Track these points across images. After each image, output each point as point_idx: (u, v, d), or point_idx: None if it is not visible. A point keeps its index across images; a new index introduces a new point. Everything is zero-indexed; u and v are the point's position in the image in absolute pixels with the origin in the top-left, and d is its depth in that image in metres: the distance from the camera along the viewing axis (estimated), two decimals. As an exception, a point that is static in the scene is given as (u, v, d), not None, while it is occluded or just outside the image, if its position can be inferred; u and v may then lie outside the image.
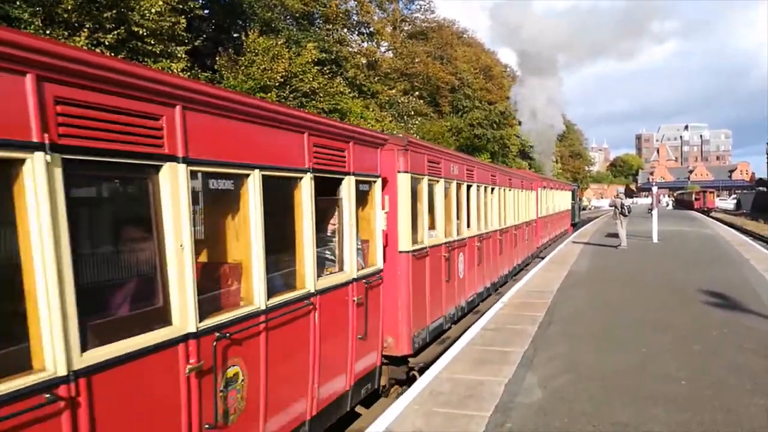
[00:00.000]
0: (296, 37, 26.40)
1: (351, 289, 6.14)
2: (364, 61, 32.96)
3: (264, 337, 4.51)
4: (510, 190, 15.69)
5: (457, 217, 10.37)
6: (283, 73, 21.90)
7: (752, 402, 5.62)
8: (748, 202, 76.88)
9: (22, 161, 2.62)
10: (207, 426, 3.80)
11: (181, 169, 3.58)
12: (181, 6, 18.67)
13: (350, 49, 32.40)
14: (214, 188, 4.28)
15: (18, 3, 14.02)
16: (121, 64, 3.35)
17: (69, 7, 14.70)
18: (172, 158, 3.53)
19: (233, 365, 4.16)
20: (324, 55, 27.13)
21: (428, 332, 8.67)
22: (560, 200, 30.03)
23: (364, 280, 6.44)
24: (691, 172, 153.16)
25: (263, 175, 4.49)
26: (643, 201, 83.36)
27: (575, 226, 37.21)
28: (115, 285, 3.68)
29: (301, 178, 5.14)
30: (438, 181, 9.26)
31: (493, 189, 13.39)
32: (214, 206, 4.75)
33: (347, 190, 6.11)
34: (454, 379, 6.58)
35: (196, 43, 19.39)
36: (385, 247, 7.06)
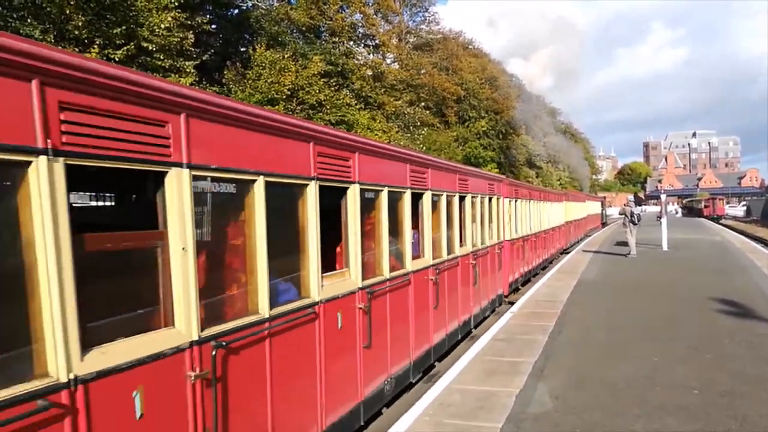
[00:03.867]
0: (303, 50, 26.61)
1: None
2: (369, 73, 33.16)
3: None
4: (575, 203, 32.55)
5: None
6: (290, 86, 22.07)
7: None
8: (758, 209, 75.92)
9: (307, 185, 4.93)
10: (364, 346, 5.94)
11: (357, 189, 5.81)
12: (189, 22, 18.91)
13: (356, 62, 32.62)
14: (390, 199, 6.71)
15: (29, 20, 14.26)
16: (334, 131, 5.70)
17: (79, 24, 14.92)
18: (353, 183, 5.77)
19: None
20: (330, 67, 27.32)
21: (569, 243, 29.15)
22: (595, 207, 47.48)
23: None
24: (699, 179, 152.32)
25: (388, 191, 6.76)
26: (651, 209, 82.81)
27: (604, 224, 51.62)
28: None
29: (423, 194, 8.03)
30: (579, 202, 35.48)
31: (568, 203, 28.56)
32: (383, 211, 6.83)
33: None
34: (464, 390, 6.55)
35: (204, 58, 19.62)
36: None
